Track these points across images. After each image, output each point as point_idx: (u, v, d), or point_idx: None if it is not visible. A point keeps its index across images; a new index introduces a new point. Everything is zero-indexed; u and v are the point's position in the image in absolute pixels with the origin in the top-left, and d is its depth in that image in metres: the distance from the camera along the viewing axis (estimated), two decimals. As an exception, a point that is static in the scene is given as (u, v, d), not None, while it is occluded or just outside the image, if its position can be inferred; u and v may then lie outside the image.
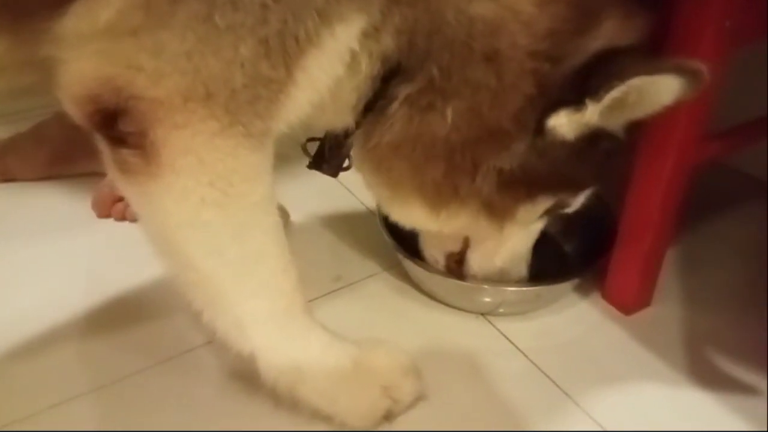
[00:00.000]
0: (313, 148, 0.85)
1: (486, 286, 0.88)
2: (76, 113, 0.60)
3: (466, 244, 0.86)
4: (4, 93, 1.13)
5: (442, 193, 0.73)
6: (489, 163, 0.71)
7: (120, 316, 0.89)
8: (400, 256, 0.93)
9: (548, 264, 0.96)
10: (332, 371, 0.72)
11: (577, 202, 0.81)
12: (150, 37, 0.55)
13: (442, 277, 0.89)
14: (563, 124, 0.67)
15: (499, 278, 0.86)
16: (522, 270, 0.87)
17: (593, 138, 0.70)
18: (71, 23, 0.55)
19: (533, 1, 0.65)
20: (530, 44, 0.65)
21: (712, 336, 0.87)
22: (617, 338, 0.88)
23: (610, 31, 0.67)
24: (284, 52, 0.58)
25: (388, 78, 0.68)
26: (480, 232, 0.81)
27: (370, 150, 0.73)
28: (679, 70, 0.62)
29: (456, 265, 0.88)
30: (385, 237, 0.94)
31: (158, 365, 0.82)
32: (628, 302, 0.91)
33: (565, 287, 0.92)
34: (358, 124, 0.73)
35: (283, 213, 1.06)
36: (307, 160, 0.86)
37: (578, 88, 0.65)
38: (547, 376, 0.82)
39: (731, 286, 0.95)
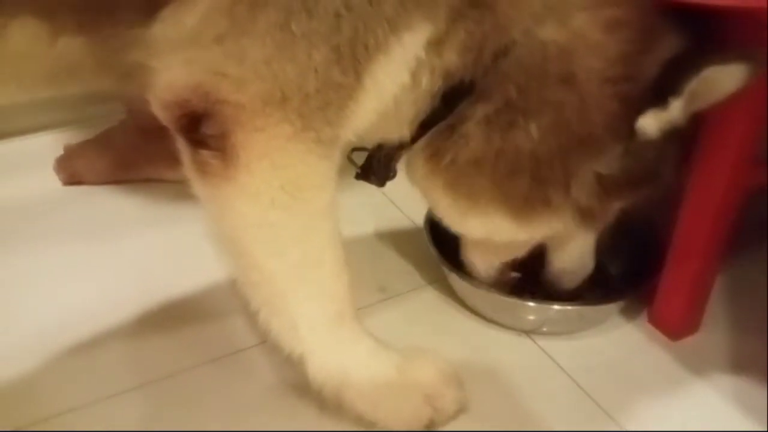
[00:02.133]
0: (358, 158, 0.87)
1: (531, 303, 0.88)
2: (164, 117, 0.64)
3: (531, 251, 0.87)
4: (77, 99, 1.20)
5: (530, 204, 0.75)
6: (586, 169, 0.73)
7: (172, 317, 0.92)
8: (446, 270, 0.94)
9: (593, 285, 0.97)
10: (377, 378, 0.73)
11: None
12: (233, 44, 0.59)
13: (486, 292, 0.89)
14: (651, 123, 0.70)
15: (576, 279, 0.89)
16: (592, 265, 0.89)
17: (672, 135, 0.72)
18: (160, 29, 0.59)
19: (601, 28, 0.68)
20: (605, 68, 0.69)
21: (760, 364, 0.85)
22: (662, 362, 0.87)
23: (668, 45, 0.71)
24: (354, 58, 0.61)
25: (454, 97, 0.70)
26: (564, 236, 0.83)
27: (444, 168, 0.75)
28: (743, 57, 0.65)
29: (509, 275, 0.89)
30: (431, 250, 0.95)
31: (207, 364, 0.84)
32: (675, 327, 0.90)
33: (610, 309, 0.92)
34: (413, 140, 0.75)
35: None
36: (353, 172, 0.88)
37: (658, 94, 0.69)
38: (589, 396, 0.82)
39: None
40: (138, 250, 1.04)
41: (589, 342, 0.90)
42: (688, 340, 0.90)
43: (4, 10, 0.58)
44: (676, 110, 0.69)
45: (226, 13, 0.58)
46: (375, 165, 0.83)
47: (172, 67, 0.60)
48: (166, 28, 0.59)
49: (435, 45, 0.66)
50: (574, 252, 0.87)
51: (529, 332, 0.91)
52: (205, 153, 0.63)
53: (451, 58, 0.67)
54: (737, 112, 0.76)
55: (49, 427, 0.76)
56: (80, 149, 1.20)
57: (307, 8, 0.59)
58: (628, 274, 0.97)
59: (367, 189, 0.89)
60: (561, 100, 0.70)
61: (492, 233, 0.81)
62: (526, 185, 0.73)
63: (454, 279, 0.93)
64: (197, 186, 0.67)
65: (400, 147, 0.78)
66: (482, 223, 0.78)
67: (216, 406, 0.79)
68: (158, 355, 0.86)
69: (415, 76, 0.67)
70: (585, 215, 0.77)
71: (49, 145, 1.24)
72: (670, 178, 0.81)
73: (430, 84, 0.69)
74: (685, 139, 0.77)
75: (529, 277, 0.96)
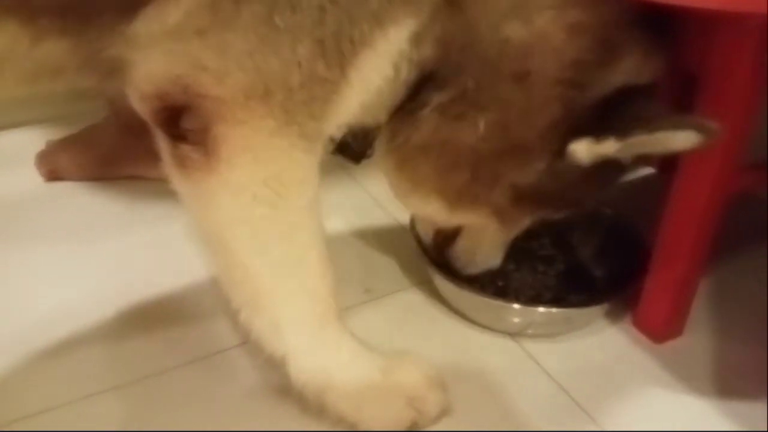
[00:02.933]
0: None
1: (516, 306, 0.88)
2: (143, 110, 0.63)
3: (458, 228, 0.88)
4: (60, 95, 1.19)
5: (461, 197, 0.77)
6: (507, 178, 0.74)
7: (152, 317, 0.91)
8: (431, 272, 0.94)
9: (578, 288, 0.97)
10: (360, 379, 0.73)
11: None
12: (215, 37, 0.58)
13: (471, 295, 0.89)
14: (582, 150, 0.70)
15: (476, 266, 0.90)
16: (498, 261, 0.90)
17: (603, 164, 0.72)
18: (143, 25, 0.58)
19: (564, 29, 0.68)
20: (558, 70, 0.69)
21: (742, 368, 0.86)
22: (646, 365, 0.87)
23: (630, 68, 0.71)
24: (339, 52, 0.61)
25: (420, 84, 0.70)
26: (479, 227, 0.85)
27: (396, 148, 0.76)
28: (697, 128, 0.66)
29: (442, 242, 0.90)
30: (417, 252, 0.95)
31: (188, 365, 0.83)
32: (659, 330, 0.90)
33: (595, 312, 0.92)
34: (388, 120, 0.76)
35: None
36: (343, 170, 0.88)
37: (600, 120, 0.69)
38: (573, 399, 0.82)
39: (764, 319, 0.94)
40: (119, 249, 1.03)
41: (573, 345, 0.90)
42: (672, 344, 0.90)
43: None
44: (610, 148, 0.69)
45: (209, 7, 0.58)
46: (351, 141, 0.83)
47: (152, 59, 0.60)
48: (148, 23, 0.58)
49: (416, 38, 0.66)
50: (483, 240, 0.87)
51: (514, 335, 0.90)
52: (185, 147, 0.62)
53: (427, 50, 0.67)
54: (721, 116, 0.76)
55: (27, 427, 0.75)
56: (62, 145, 1.18)
57: (291, 2, 0.58)
58: (613, 276, 0.97)
59: (355, 190, 0.88)
60: (510, 99, 0.70)
61: (428, 214, 0.85)
62: (463, 181, 0.75)
63: (440, 281, 0.93)
64: (177, 181, 0.66)
65: (377, 127, 0.78)
66: (421, 204, 0.82)
67: (197, 407, 0.79)
68: (138, 355, 0.85)
69: (396, 67, 0.67)
70: (501, 216, 0.80)
71: (30, 141, 1.21)
72: (588, 206, 0.84)
73: (407, 74, 0.69)
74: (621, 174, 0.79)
75: (513, 281, 0.97)
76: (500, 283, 0.96)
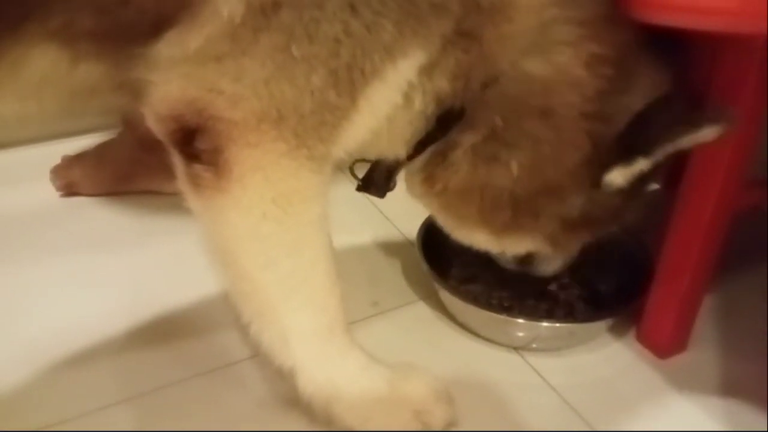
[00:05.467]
0: (360, 171, 0.89)
1: (520, 320, 0.89)
2: (159, 130, 0.66)
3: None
4: (96, 112, 1.22)
5: (507, 229, 0.80)
6: (551, 212, 0.77)
7: (164, 330, 0.92)
8: (437, 286, 0.95)
9: (583, 303, 0.98)
10: (367, 392, 0.74)
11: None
12: (232, 63, 0.60)
13: (477, 309, 0.90)
14: (617, 177, 0.73)
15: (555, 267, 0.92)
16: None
17: (641, 178, 0.75)
18: (165, 49, 0.60)
19: (583, 64, 0.69)
20: (582, 104, 0.71)
21: (747, 383, 0.86)
22: (650, 380, 0.87)
23: (647, 90, 0.72)
24: (351, 82, 0.63)
25: (447, 121, 0.72)
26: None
27: (438, 194, 0.79)
28: (715, 121, 0.68)
29: (525, 263, 0.92)
30: (423, 266, 0.96)
31: (198, 377, 0.85)
32: (663, 345, 0.91)
33: (599, 326, 0.93)
34: (409, 157, 0.78)
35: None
36: (351, 185, 0.89)
37: (628, 145, 0.71)
38: (577, 413, 0.82)
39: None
40: (133, 262, 1.04)
41: (578, 359, 0.91)
42: (676, 359, 0.91)
43: (24, 39, 0.60)
44: (643, 165, 0.72)
45: (230, 35, 0.60)
46: (376, 177, 0.86)
47: (169, 81, 0.62)
48: (170, 47, 0.60)
49: (427, 70, 0.68)
50: (554, 259, 0.90)
51: (519, 348, 0.91)
52: (198, 167, 0.64)
53: (442, 83, 0.69)
54: (727, 133, 0.77)
55: (40, 439, 0.76)
56: (78, 160, 1.20)
57: (309, 33, 0.60)
58: (618, 291, 0.98)
59: (363, 204, 0.90)
60: (539, 135, 0.72)
61: (477, 244, 0.87)
62: (507, 217, 0.78)
63: (445, 295, 0.94)
64: (191, 198, 0.68)
65: (399, 163, 0.81)
66: (469, 236, 0.86)
67: (206, 419, 0.80)
68: (150, 367, 0.86)
69: (408, 97, 0.69)
70: (554, 243, 0.82)
71: (45, 156, 1.24)
72: (636, 214, 0.85)
73: (422, 105, 0.71)
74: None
75: (517, 295, 0.98)
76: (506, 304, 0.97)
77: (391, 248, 1.11)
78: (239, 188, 0.64)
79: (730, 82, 0.75)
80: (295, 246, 0.69)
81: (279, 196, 0.66)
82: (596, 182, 0.74)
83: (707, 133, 0.69)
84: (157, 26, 0.60)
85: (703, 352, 0.92)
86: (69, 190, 1.19)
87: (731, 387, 0.86)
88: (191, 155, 0.64)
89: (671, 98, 0.72)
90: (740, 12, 0.64)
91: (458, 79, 0.69)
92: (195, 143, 0.63)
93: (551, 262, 0.91)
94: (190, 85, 0.61)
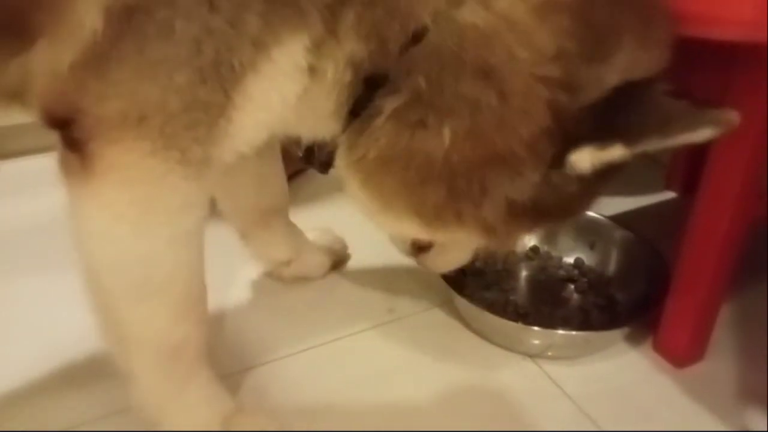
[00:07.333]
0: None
1: (536, 328, 0.89)
2: (38, 114, 0.64)
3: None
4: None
5: (440, 215, 0.70)
6: (500, 192, 0.67)
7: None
8: (452, 294, 0.95)
9: (599, 311, 0.98)
10: (195, 426, 0.72)
11: None
12: (96, 65, 0.59)
13: (492, 316, 0.91)
14: (585, 159, 0.64)
15: (444, 269, 0.89)
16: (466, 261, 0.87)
17: (608, 170, 0.66)
18: (37, 55, 0.60)
19: (530, 9, 0.60)
20: (535, 63, 0.61)
21: (764, 393, 0.86)
22: (666, 389, 0.87)
23: (627, 62, 0.63)
24: (221, 78, 0.60)
25: (373, 85, 0.66)
26: (459, 243, 0.81)
27: (356, 162, 0.69)
28: (714, 123, 0.61)
29: (418, 251, 0.88)
30: (438, 273, 0.96)
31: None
32: (680, 355, 0.90)
33: (615, 335, 0.93)
34: (344, 130, 0.70)
35: (342, 247, 1.10)
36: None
37: (602, 125, 0.62)
38: (592, 421, 0.82)
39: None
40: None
41: (593, 367, 0.91)
42: (693, 369, 0.90)
43: None
44: (618, 154, 0.63)
45: (92, 43, 0.58)
46: (316, 151, 0.80)
47: (44, 75, 0.61)
48: (41, 53, 0.60)
49: (321, 42, 0.62)
50: (458, 248, 0.84)
51: (534, 356, 0.92)
52: (70, 154, 0.63)
53: (353, 46, 0.62)
54: (742, 142, 0.77)
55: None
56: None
57: (162, 35, 0.58)
58: (634, 300, 0.97)
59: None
60: (478, 98, 0.62)
61: (405, 234, 0.81)
62: (440, 197, 0.68)
63: (460, 302, 0.95)
64: (63, 183, 0.65)
65: (334, 139, 0.73)
66: (395, 224, 0.75)
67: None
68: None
69: (315, 70, 0.63)
70: (490, 233, 0.71)
71: (52, 166, 1.25)
72: (579, 215, 0.77)
73: (338, 74, 0.64)
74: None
75: (533, 302, 0.98)
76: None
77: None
78: (98, 183, 0.62)
79: (746, 92, 0.75)
80: (149, 257, 0.65)
81: (138, 200, 0.62)
82: (557, 161, 0.64)
83: (703, 135, 0.61)
84: (28, 37, 0.59)
85: (720, 361, 0.91)
86: None
87: (748, 397, 0.86)
88: (67, 140, 0.63)
89: (659, 85, 0.64)
90: (756, 21, 0.64)
91: (371, 39, 0.62)
92: (70, 130, 0.62)
93: (448, 258, 0.85)
94: (58, 81, 0.60)
